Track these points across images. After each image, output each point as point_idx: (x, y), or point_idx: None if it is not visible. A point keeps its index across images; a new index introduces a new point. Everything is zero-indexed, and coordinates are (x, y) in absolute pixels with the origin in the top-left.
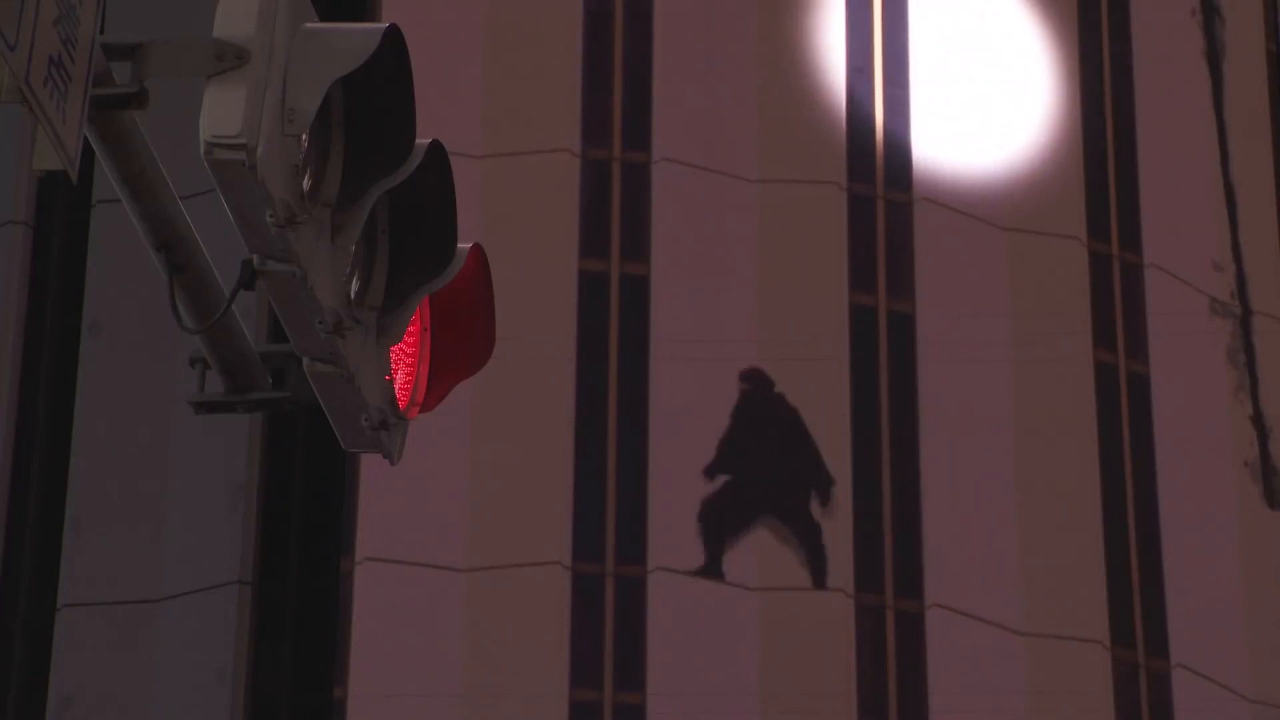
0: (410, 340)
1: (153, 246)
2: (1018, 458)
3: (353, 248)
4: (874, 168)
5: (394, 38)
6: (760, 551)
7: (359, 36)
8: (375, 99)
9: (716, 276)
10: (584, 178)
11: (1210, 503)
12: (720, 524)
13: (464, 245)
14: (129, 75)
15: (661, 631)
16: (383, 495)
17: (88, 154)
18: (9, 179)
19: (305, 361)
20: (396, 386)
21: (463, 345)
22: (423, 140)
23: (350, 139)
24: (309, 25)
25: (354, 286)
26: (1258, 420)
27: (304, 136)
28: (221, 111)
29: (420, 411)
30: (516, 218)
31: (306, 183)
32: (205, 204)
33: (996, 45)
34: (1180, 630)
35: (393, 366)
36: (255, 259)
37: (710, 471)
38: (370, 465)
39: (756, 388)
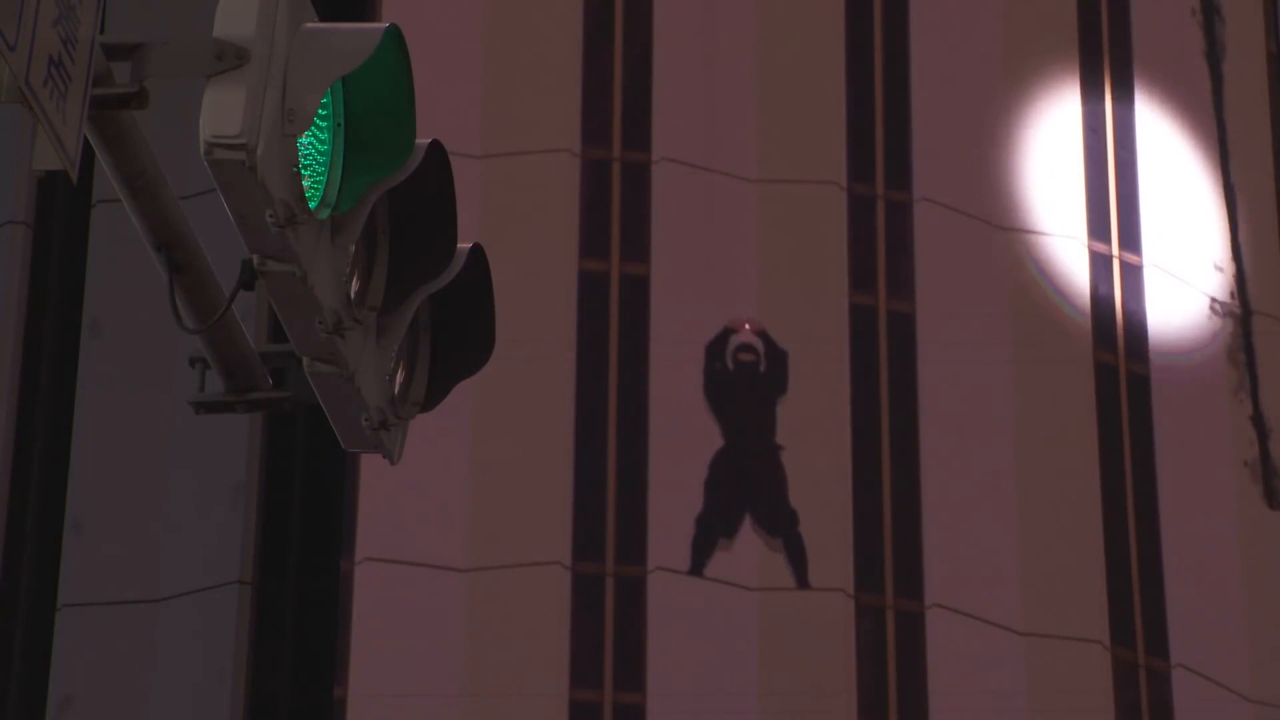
0: (410, 340)
1: (153, 246)
2: (1018, 458)
3: (353, 248)
4: (874, 168)
5: (394, 37)
6: (758, 551)
7: (359, 36)
8: (376, 99)
9: (716, 276)
10: (584, 178)
11: (1210, 503)
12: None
13: (464, 245)
14: (129, 75)
15: (661, 631)
16: (383, 495)
17: (88, 154)
18: (9, 179)
19: (305, 361)
20: (396, 386)
21: (463, 345)
22: (423, 140)
23: (351, 139)
24: (309, 25)
25: (354, 286)
26: (1258, 420)
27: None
28: (221, 111)
29: (420, 411)
30: (516, 218)
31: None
32: (205, 204)
33: (997, 45)
34: (1180, 630)
35: (393, 366)
36: (255, 259)
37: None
38: (370, 465)
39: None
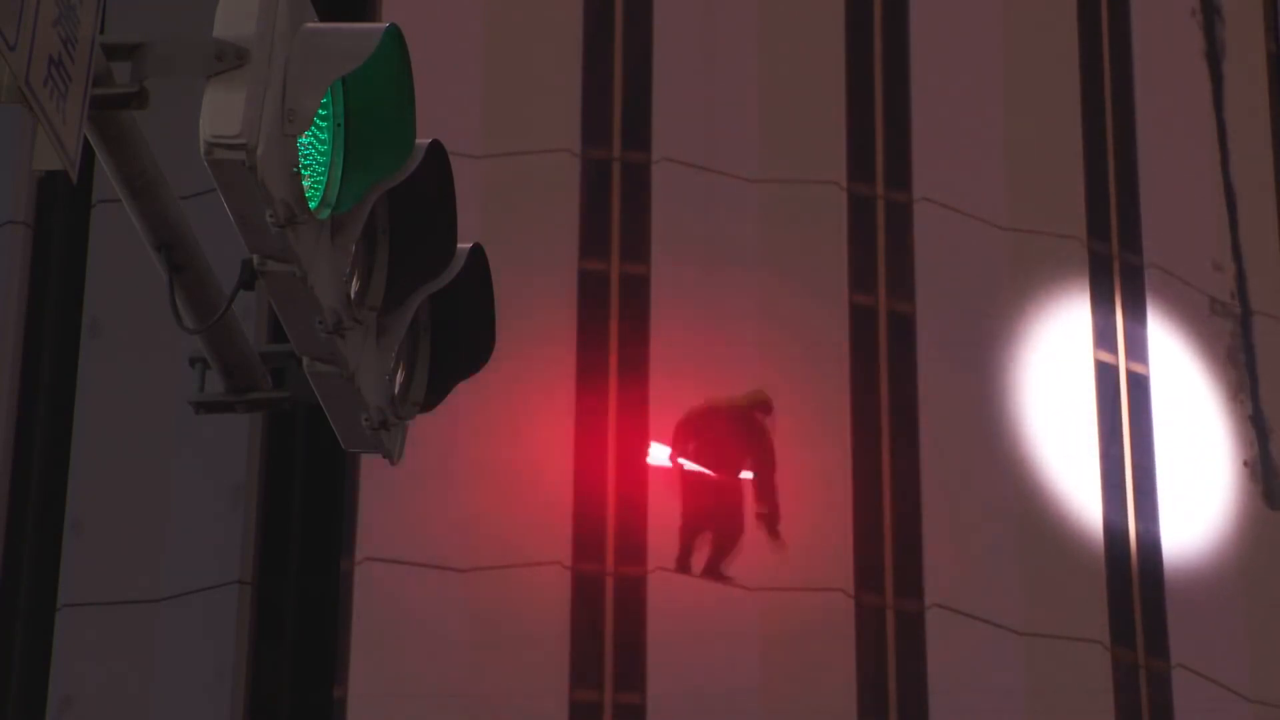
0: (410, 340)
1: (153, 246)
2: (1018, 458)
3: (353, 248)
4: (874, 168)
5: (394, 37)
6: (759, 551)
7: (359, 36)
8: (376, 99)
9: (716, 276)
10: (584, 178)
11: (1210, 503)
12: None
13: (464, 245)
14: (129, 75)
15: (661, 631)
16: (383, 495)
17: (88, 154)
18: (9, 179)
19: (305, 361)
20: (396, 386)
21: (463, 345)
22: (423, 140)
23: (351, 139)
24: (309, 25)
25: (354, 286)
26: (1258, 420)
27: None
28: (221, 111)
29: (420, 411)
30: (516, 218)
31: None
32: (205, 204)
33: (996, 45)
34: (1180, 630)
35: (393, 366)
36: (255, 259)
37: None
38: (370, 465)
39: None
